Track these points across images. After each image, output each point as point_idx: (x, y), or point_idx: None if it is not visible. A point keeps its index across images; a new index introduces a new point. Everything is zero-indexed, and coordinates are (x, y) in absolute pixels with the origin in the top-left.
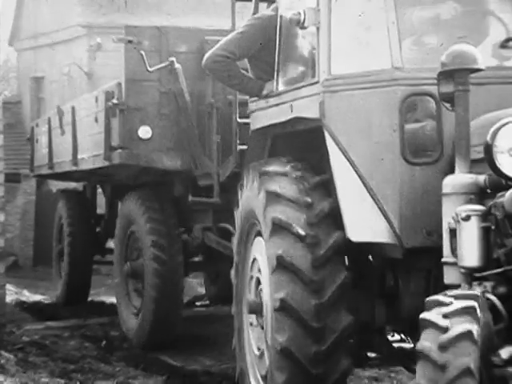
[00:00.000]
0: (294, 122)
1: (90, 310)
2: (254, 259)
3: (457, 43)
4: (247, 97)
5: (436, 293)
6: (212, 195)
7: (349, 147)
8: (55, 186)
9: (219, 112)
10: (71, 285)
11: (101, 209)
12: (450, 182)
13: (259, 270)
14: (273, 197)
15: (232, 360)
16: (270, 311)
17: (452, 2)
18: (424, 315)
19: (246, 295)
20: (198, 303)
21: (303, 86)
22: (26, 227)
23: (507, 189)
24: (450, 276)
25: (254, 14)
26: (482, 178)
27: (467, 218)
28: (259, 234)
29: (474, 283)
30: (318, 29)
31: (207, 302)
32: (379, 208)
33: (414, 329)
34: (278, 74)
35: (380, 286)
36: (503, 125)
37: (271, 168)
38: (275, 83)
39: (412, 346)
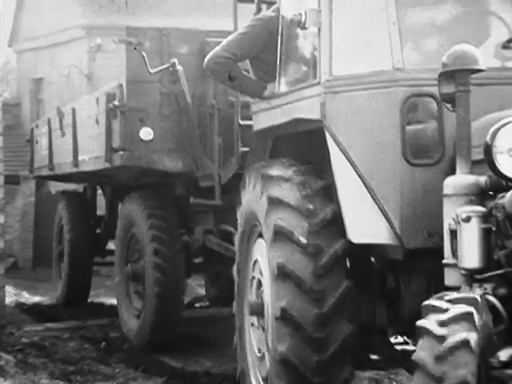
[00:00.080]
0: (295, 123)
1: (90, 312)
2: (256, 261)
3: (458, 44)
4: (249, 98)
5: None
6: (213, 197)
7: (350, 148)
8: (54, 187)
9: (220, 113)
10: (71, 286)
11: (101, 210)
12: (450, 183)
13: (260, 272)
14: (275, 203)
15: (232, 361)
16: (271, 317)
17: (453, 2)
18: (421, 323)
19: (247, 296)
20: (197, 304)
21: (304, 87)
22: (26, 229)
23: (508, 190)
24: (450, 278)
25: (256, 15)
26: (482, 179)
27: (468, 219)
28: (260, 235)
29: (475, 285)
30: (319, 29)
31: (207, 304)
32: (380, 209)
33: (415, 330)
34: (279, 75)
35: (381, 288)
36: (503, 125)
37: (273, 172)
38: (277, 84)
39: (414, 348)
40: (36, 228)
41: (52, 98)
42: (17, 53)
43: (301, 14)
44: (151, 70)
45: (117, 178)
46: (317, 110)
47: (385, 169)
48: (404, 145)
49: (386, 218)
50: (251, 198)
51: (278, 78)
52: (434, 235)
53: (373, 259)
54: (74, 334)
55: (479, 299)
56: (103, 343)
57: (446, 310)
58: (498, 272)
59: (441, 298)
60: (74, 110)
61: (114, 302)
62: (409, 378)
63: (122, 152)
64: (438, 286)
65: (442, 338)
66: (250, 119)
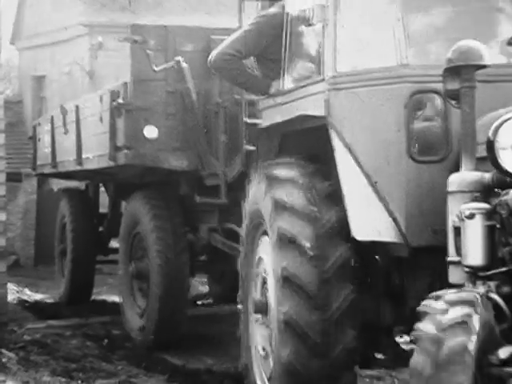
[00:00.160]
0: (300, 120)
1: (92, 309)
2: (260, 258)
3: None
4: (255, 96)
5: None
6: (218, 195)
7: (354, 145)
8: (56, 185)
9: (226, 111)
10: (74, 284)
11: (103, 208)
12: (455, 180)
13: (265, 270)
14: (279, 206)
15: (234, 359)
16: (275, 322)
17: None
18: (418, 327)
19: (251, 293)
20: (199, 302)
21: (309, 84)
22: (28, 226)
23: None
24: (454, 275)
25: (261, 12)
26: (487, 176)
27: (471, 216)
28: (265, 233)
29: (478, 282)
30: (324, 26)
31: (210, 301)
32: (385, 206)
33: None
34: (285, 72)
35: (386, 286)
36: (505, 120)
37: (279, 172)
38: (282, 81)
39: None
40: (38, 226)
41: (54, 96)
42: (19, 50)
43: (307, 10)
44: (156, 68)
45: (120, 176)
46: (321, 106)
47: (389, 166)
48: (409, 142)
49: (390, 216)
50: (256, 195)
51: (283, 75)
52: (440, 233)
53: (378, 257)
54: (76, 332)
55: (479, 298)
56: (105, 341)
57: (443, 313)
58: (502, 269)
59: (439, 298)
60: (77, 108)
61: (116, 299)
62: None
63: (126, 150)
64: (442, 284)
65: (439, 344)
66: (256, 117)
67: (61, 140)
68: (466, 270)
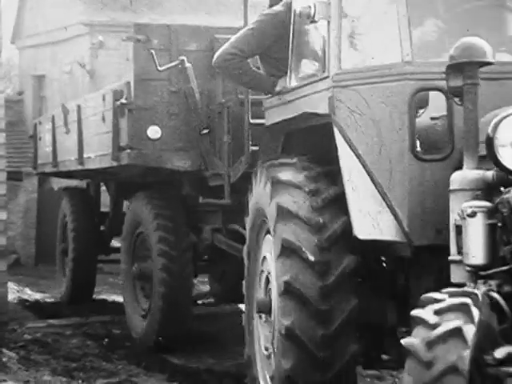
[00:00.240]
0: (305, 118)
1: (92, 308)
2: (264, 257)
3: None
4: (259, 96)
5: None
6: (222, 195)
7: (357, 143)
8: (57, 184)
9: (230, 112)
10: (76, 283)
11: (104, 207)
12: (457, 178)
13: (268, 270)
14: (284, 213)
15: (234, 359)
16: (277, 332)
17: None
18: (415, 312)
19: (255, 292)
20: (200, 301)
21: (314, 82)
22: (28, 225)
23: None
24: (456, 274)
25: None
26: (489, 174)
27: (473, 215)
28: (269, 232)
29: (479, 281)
30: (328, 23)
31: (210, 301)
32: (388, 205)
33: None
34: (290, 70)
35: (390, 286)
36: (504, 117)
37: (284, 176)
38: (288, 79)
39: None
40: (38, 224)
41: (54, 95)
42: (19, 49)
43: (310, 7)
44: (160, 68)
45: (123, 175)
46: (325, 104)
47: (392, 164)
48: (412, 140)
49: (393, 215)
50: (261, 194)
51: (289, 73)
52: (443, 232)
53: (382, 258)
54: (77, 331)
55: (479, 295)
56: (106, 340)
57: (442, 301)
58: (503, 268)
59: (440, 292)
60: (79, 107)
61: (116, 298)
62: None
63: (129, 150)
64: (448, 284)
65: (434, 326)
66: (261, 118)
67: (62, 139)
68: (468, 269)
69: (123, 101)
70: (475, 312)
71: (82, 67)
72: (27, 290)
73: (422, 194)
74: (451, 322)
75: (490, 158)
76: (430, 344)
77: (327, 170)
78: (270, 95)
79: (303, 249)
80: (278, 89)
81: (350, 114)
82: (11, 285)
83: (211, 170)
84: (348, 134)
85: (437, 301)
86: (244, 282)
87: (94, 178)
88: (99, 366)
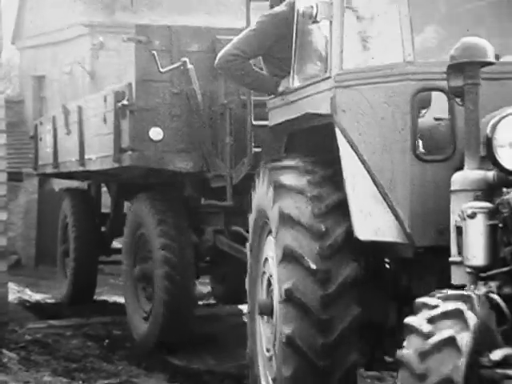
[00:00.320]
0: (307, 119)
1: (93, 309)
2: (266, 258)
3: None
4: (262, 97)
5: None
6: (224, 197)
7: (359, 143)
8: (58, 184)
9: (232, 113)
10: (77, 284)
11: (105, 208)
12: (458, 179)
13: (270, 273)
14: (286, 219)
15: (235, 360)
16: (278, 341)
17: None
18: (408, 320)
19: (257, 293)
20: (200, 302)
21: (316, 82)
22: (29, 226)
23: None
24: (456, 276)
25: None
26: (490, 175)
27: (473, 216)
28: (271, 232)
29: (479, 283)
30: (330, 23)
31: (211, 301)
32: (389, 206)
33: None
34: (293, 71)
35: (392, 287)
36: (503, 117)
37: (286, 180)
38: (291, 80)
39: None
40: (39, 225)
41: (54, 96)
42: (19, 50)
43: (312, 7)
44: (162, 69)
45: (124, 176)
46: (327, 104)
47: (394, 164)
48: (414, 140)
49: (395, 216)
50: (263, 196)
51: (292, 73)
52: (445, 233)
53: (385, 259)
54: (77, 332)
55: (475, 297)
56: (106, 341)
57: (435, 307)
58: (504, 269)
59: (433, 296)
60: (80, 108)
61: (117, 299)
62: None
63: (131, 152)
64: (449, 285)
65: (427, 335)
66: (263, 119)
67: (63, 140)
68: (468, 270)
69: (125, 102)
70: (470, 317)
71: (82, 68)
72: (28, 291)
73: (424, 195)
74: (445, 331)
75: (488, 158)
76: (423, 355)
77: (331, 173)
78: (273, 96)
79: (305, 257)
80: (280, 89)
81: (352, 115)
82: (12, 285)
83: (213, 171)
84: (349, 135)
85: (430, 307)
86: (247, 280)
87: (95, 179)
88: (100, 367)
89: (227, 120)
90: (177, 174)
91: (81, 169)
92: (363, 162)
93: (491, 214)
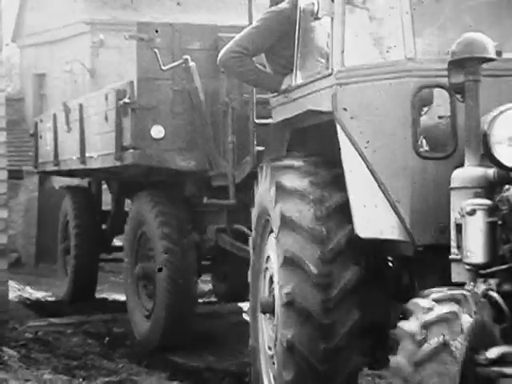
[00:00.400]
0: (309, 116)
1: (93, 307)
2: (269, 256)
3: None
4: (264, 95)
5: None
6: (226, 195)
7: (360, 141)
8: (58, 182)
9: (234, 111)
10: (78, 282)
11: (106, 205)
12: (458, 176)
13: (272, 274)
14: (287, 222)
15: (235, 357)
16: (278, 344)
17: None
18: (401, 325)
19: (260, 291)
20: (200, 300)
21: (317, 79)
22: (29, 224)
23: None
24: (456, 273)
25: (272, 6)
26: (491, 172)
27: (472, 213)
28: (273, 231)
29: (479, 280)
30: (332, 19)
31: (211, 299)
32: (390, 204)
33: None
34: (296, 68)
35: (395, 285)
36: (500, 113)
37: (288, 182)
38: (294, 77)
39: None
40: (39, 223)
41: (55, 94)
42: (20, 48)
43: (313, 4)
44: (164, 67)
45: (125, 175)
46: (328, 101)
47: (395, 162)
48: (415, 137)
49: (396, 213)
50: (265, 195)
51: (294, 71)
52: (446, 231)
53: (388, 257)
54: (78, 329)
55: (471, 296)
56: (106, 338)
57: (429, 310)
58: (503, 267)
59: (427, 296)
60: (81, 106)
61: (117, 297)
62: None
63: (132, 150)
64: (450, 283)
65: (421, 342)
66: (266, 117)
67: (63, 138)
68: (467, 267)
69: (126, 100)
70: (465, 320)
71: (82, 66)
72: (28, 289)
73: (425, 193)
74: (437, 339)
75: (486, 155)
76: (417, 364)
77: (333, 174)
78: (276, 93)
79: (306, 261)
80: (283, 87)
81: (353, 112)
82: (12, 283)
83: (216, 170)
84: (350, 132)
85: (424, 310)
86: (249, 273)
87: (96, 176)
88: (100, 365)
89: (229, 118)
90: (178, 173)
91: (82, 167)
92: (364, 159)
93: (491, 211)
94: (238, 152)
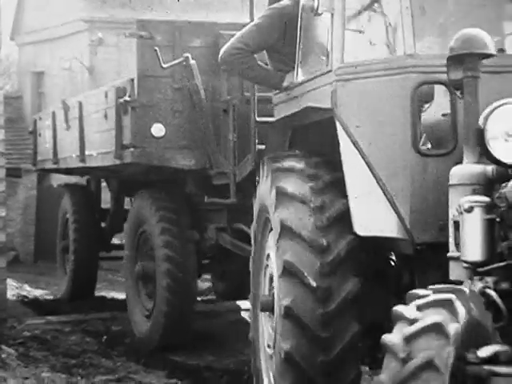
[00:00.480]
0: (310, 113)
1: (91, 305)
2: (269, 255)
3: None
4: (265, 93)
5: None
6: (226, 194)
7: (360, 137)
8: (56, 180)
9: (235, 109)
10: (77, 280)
11: (105, 203)
12: (456, 172)
13: (272, 270)
14: (287, 231)
15: (234, 356)
16: (277, 354)
17: None
18: (396, 308)
19: (260, 290)
20: (199, 298)
21: (317, 76)
22: (27, 222)
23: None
24: (454, 271)
25: (271, 3)
26: (489, 169)
27: (470, 210)
28: (272, 229)
29: (476, 278)
30: (332, 15)
31: (210, 297)
32: (389, 201)
33: None
34: (297, 65)
35: (395, 284)
36: (495, 108)
37: (288, 186)
38: (295, 74)
39: None
40: (37, 221)
41: (53, 92)
42: (18, 46)
43: (314, 0)
44: (164, 65)
45: (125, 173)
46: (328, 98)
47: (395, 159)
48: (415, 134)
49: (395, 211)
50: (266, 191)
51: (296, 68)
52: (446, 229)
53: (393, 257)
54: (76, 328)
55: (468, 292)
56: (105, 337)
57: (425, 297)
58: (500, 264)
59: (426, 288)
60: (80, 104)
61: (115, 295)
62: None
63: (132, 149)
64: (450, 281)
65: (413, 321)
66: (267, 115)
67: (62, 136)
68: (465, 265)
69: (126, 98)
70: (460, 309)
71: (80, 64)
72: (26, 287)
73: (425, 190)
74: (431, 317)
75: (481, 150)
76: (408, 339)
77: (335, 177)
78: (278, 91)
79: (305, 273)
80: (285, 84)
81: (353, 108)
82: (10, 281)
83: (216, 168)
84: (350, 129)
85: (420, 297)
86: (250, 265)
87: (95, 174)
88: (98, 363)
89: (230, 116)
90: (179, 171)
91: (81, 165)
92: (363, 156)
93: (488, 208)
94: (238, 150)
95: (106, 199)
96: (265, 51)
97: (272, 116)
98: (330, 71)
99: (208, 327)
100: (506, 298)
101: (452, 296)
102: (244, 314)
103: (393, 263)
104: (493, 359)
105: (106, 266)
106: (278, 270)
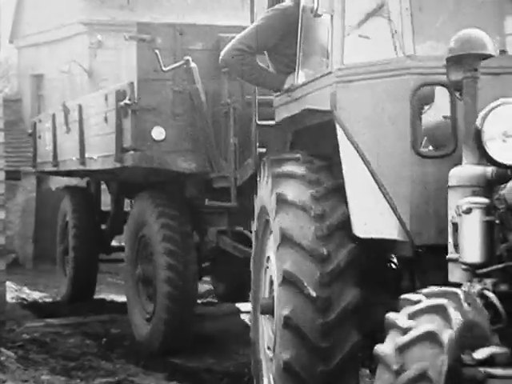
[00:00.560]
0: (310, 115)
1: (91, 308)
2: (269, 257)
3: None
4: (266, 96)
5: None
6: (227, 198)
7: (359, 139)
8: (55, 183)
9: (236, 112)
10: (77, 282)
11: (105, 205)
12: (456, 174)
13: (272, 274)
14: (287, 239)
15: (234, 358)
16: (276, 364)
17: None
18: (388, 316)
19: (260, 292)
20: (199, 301)
21: (317, 78)
22: (26, 225)
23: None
24: (453, 274)
25: (271, 5)
26: (489, 170)
27: (469, 211)
28: (272, 231)
29: (474, 280)
30: (331, 17)
31: (210, 300)
32: (389, 203)
33: None
34: (298, 67)
35: (396, 286)
36: (492, 108)
37: (288, 193)
38: (296, 76)
39: None
40: (37, 224)
41: (52, 94)
42: (17, 49)
43: (313, 1)
44: (165, 68)
45: (125, 175)
46: (327, 100)
47: (394, 161)
48: (415, 136)
49: (395, 213)
50: (266, 194)
51: (297, 70)
52: (446, 232)
53: (393, 259)
54: (75, 330)
55: (462, 294)
56: (104, 339)
57: (417, 303)
58: (498, 266)
59: (418, 292)
60: (80, 107)
61: (115, 298)
62: None
63: (133, 152)
64: (450, 283)
65: (406, 330)
66: (268, 119)
67: (62, 139)
68: (464, 267)
69: (127, 101)
70: (453, 314)
71: (80, 66)
72: (25, 290)
73: (425, 192)
74: (424, 326)
75: (478, 151)
76: (401, 349)
77: (336, 183)
78: (279, 93)
79: (305, 283)
80: (286, 86)
81: (352, 110)
82: (9, 284)
83: (217, 172)
84: (350, 131)
85: (412, 302)
86: (251, 266)
87: (95, 177)
88: (98, 366)
89: (231, 119)
90: (179, 174)
91: (81, 168)
92: (363, 158)
93: (487, 209)
94: (239, 154)
95: (106, 201)
96: (266, 53)
97: (273, 119)
98: (330, 73)
99: (208, 329)
100: (505, 300)
101: (445, 301)
102: (244, 317)
103: (390, 265)
104: (489, 361)
105: (105, 268)
106: (277, 279)
